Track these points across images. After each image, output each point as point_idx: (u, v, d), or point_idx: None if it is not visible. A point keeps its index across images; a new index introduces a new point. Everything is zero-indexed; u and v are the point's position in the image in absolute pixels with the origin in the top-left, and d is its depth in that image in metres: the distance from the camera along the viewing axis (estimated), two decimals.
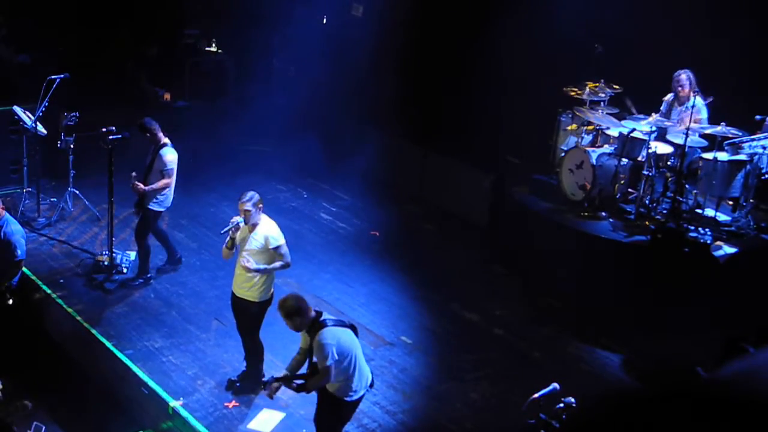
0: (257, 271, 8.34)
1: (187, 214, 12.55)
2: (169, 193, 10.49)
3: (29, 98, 11.97)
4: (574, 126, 11.60)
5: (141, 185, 10.26)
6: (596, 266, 10.57)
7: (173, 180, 10.48)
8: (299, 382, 7.25)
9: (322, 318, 7.16)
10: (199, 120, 14.76)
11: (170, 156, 10.38)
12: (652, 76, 11.60)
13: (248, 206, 8.32)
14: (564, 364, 9.57)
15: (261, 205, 8.42)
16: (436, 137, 13.58)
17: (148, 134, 10.41)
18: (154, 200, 10.40)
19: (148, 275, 10.67)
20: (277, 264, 8.45)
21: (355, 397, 7.38)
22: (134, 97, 14.59)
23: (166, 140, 10.44)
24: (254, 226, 8.38)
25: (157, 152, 10.37)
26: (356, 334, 7.42)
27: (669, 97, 11.31)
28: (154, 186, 10.30)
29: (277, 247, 8.40)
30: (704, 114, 10.93)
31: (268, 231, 8.39)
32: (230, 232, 8.46)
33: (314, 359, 7.14)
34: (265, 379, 7.72)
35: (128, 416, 8.92)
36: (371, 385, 7.58)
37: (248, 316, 8.57)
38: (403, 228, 12.68)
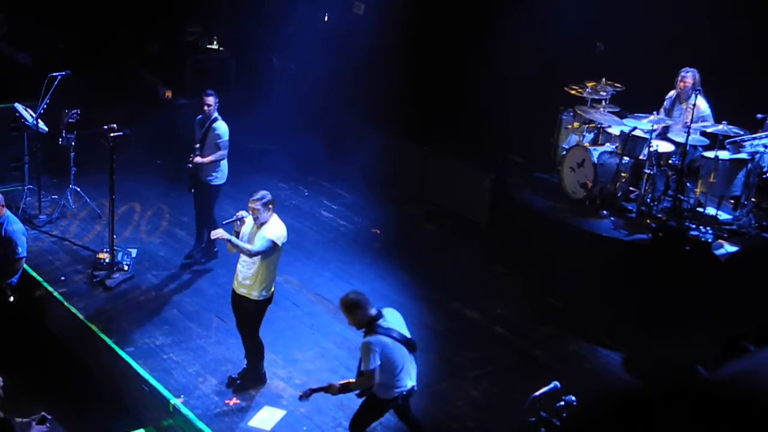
0: (254, 253, 8.27)
1: (189, 211, 12.48)
2: (224, 166, 10.69)
3: (31, 95, 11.97)
4: (576, 124, 11.59)
5: (199, 158, 10.51)
6: (597, 265, 10.56)
7: (226, 153, 10.65)
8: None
9: (377, 322, 7.28)
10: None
11: (224, 128, 10.60)
12: (653, 74, 11.61)
13: (257, 205, 8.32)
14: (565, 362, 9.57)
15: (272, 206, 8.41)
16: (437, 136, 13.57)
17: (208, 106, 10.59)
18: (212, 175, 10.67)
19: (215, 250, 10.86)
20: (248, 248, 8.27)
21: (387, 396, 7.43)
22: (136, 94, 14.60)
23: (216, 114, 10.65)
24: (262, 225, 8.38)
25: (211, 126, 10.57)
26: (412, 350, 7.46)
27: (672, 94, 11.29)
28: (212, 158, 10.53)
29: (263, 237, 8.29)
30: (708, 111, 10.90)
31: (271, 230, 8.39)
32: (235, 224, 8.44)
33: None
34: (300, 392, 7.72)
35: (129, 414, 8.94)
36: (408, 395, 7.54)
37: (248, 314, 8.57)
38: (403, 226, 12.67)
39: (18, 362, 9.29)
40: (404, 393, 7.45)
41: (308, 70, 15.35)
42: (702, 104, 10.81)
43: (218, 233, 8.38)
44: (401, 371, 7.36)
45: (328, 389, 7.51)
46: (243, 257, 8.43)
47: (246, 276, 8.43)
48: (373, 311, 7.34)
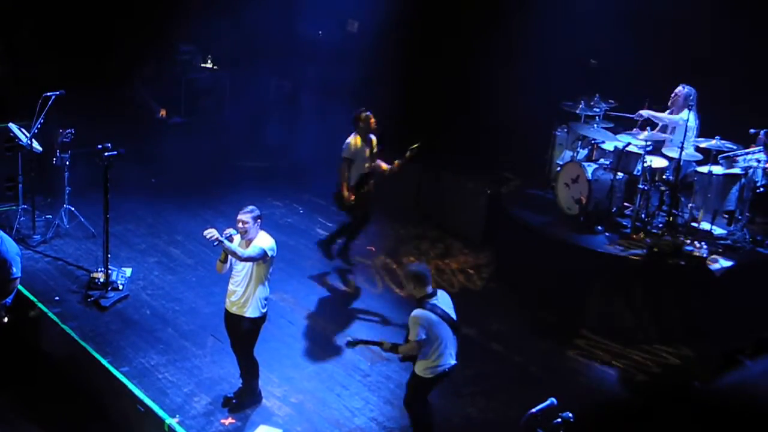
0: (245, 257, 8.19)
1: (183, 230, 12.54)
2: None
3: (25, 115, 11.97)
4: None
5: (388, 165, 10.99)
6: (592, 280, 10.56)
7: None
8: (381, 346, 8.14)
9: (429, 299, 7.79)
10: (194, 136, 14.77)
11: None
12: (647, 91, 11.65)
13: (247, 218, 8.24)
14: (561, 378, 9.55)
15: (260, 221, 8.38)
16: (431, 152, 13.58)
17: (363, 123, 10.94)
18: None
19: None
20: (240, 253, 8.16)
21: (430, 375, 7.90)
22: (130, 113, 14.61)
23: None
24: (250, 241, 8.34)
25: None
26: (455, 331, 7.92)
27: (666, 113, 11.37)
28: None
29: (256, 247, 8.22)
30: (693, 123, 10.92)
31: (261, 242, 8.33)
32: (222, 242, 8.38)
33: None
34: (349, 338, 8.26)
35: None
36: (449, 373, 7.97)
37: (243, 333, 8.51)
38: (399, 243, 12.67)
39: (12, 383, 9.25)
40: (446, 370, 7.90)
41: (303, 87, 15.39)
42: (691, 120, 10.84)
43: (211, 232, 8.06)
44: (443, 348, 7.80)
45: (380, 344, 8.10)
46: (235, 277, 8.39)
47: (239, 294, 8.38)
48: (429, 289, 7.87)
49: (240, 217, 8.26)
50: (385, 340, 8.14)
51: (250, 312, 8.39)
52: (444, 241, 12.69)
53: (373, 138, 11.09)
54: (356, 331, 10.22)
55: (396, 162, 11.03)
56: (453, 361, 7.95)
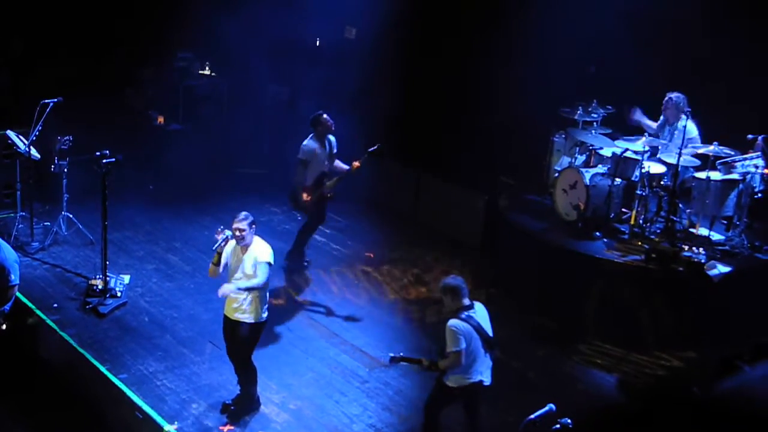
0: (242, 290, 8.28)
1: (181, 237, 12.53)
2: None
3: (23, 122, 11.97)
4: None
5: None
6: (590, 286, 10.56)
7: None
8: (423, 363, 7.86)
9: (465, 311, 7.62)
10: (192, 143, 14.77)
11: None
12: (645, 95, 11.66)
13: (244, 225, 8.27)
14: (560, 384, 9.55)
15: (254, 226, 8.41)
16: (429, 158, 13.61)
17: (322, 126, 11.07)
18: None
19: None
20: (253, 282, 8.27)
21: (456, 385, 7.69)
22: (128, 120, 14.61)
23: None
24: (247, 246, 8.35)
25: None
26: (489, 347, 7.74)
27: (661, 119, 11.38)
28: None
29: (261, 263, 8.30)
30: (695, 133, 10.97)
31: (259, 249, 8.37)
32: (220, 246, 8.40)
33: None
34: (392, 354, 8.02)
35: None
36: (476, 389, 7.77)
37: (244, 338, 8.50)
38: (397, 249, 12.66)
39: (10, 390, 9.23)
40: (473, 384, 7.67)
41: (300, 94, 15.39)
42: (691, 127, 10.87)
43: (226, 290, 8.26)
44: (474, 362, 7.62)
45: (419, 362, 7.85)
46: (235, 282, 8.39)
47: (241, 301, 8.39)
48: (466, 301, 7.70)
49: (237, 225, 8.28)
50: (424, 358, 7.87)
51: (254, 317, 8.42)
52: (441, 247, 12.69)
53: (332, 139, 11.29)
54: (355, 338, 10.22)
55: (354, 163, 11.15)
56: (482, 378, 7.72)
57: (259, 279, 8.29)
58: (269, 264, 8.36)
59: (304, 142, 11.15)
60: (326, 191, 11.25)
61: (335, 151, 11.34)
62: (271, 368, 9.32)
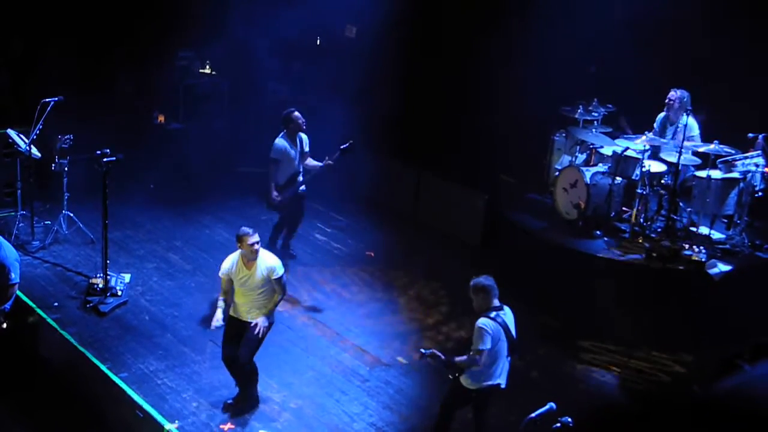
0: (284, 297, 8.77)
1: (182, 236, 12.53)
2: None
3: (23, 121, 11.97)
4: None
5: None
6: (591, 285, 10.56)
7: None
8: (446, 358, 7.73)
9: (494, 312, 7.63)
10: (193, 142, 14.77)
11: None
12: (645, 95, 11.67)
13: (257, 238, 8.40)
14: (561, 383, 9.55)
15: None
16: (430, 157, 13.61)
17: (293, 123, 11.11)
18: None
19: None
20: (278, 298, 8.59)
21: (473, 386, 7.65)
22: (128, 119, 14.60)
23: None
24: (254, 261, 8.42)
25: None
26: (511, 351, 7.75)
27: (661, 115, 11.37)
28: None
29: (279, 278, 8.49)
30: (696, 132, 10.99)
31: (270, 262, 8.50)
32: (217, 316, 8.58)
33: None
34: (423, 350, 7.90)
35: None
36: (492, 392, 7.74)
37: (256, 340, 8.55)
38: (398, 248, 12.67)
39: (11, 389, 9.24)
40: (491, 386, 7.65)
41: (301, 93, 15.38)
42: (692, 124, 10.87)
43: (261, 325, 8.50)
44: (494, 364, 7.60)
45: (445, 362, 7.71)
46: (256, 297, 8.53)
47: (262, 304, 8.54)
48: (496, 302, 7.70)
49: (250, 241, 8.37)
50: (449, 358, 7.73)
51: (271, 318, 8.65)
52: (441, 246, 12.69)
53: (304, 137, 11.29)
54: (356, 337, 10.23)
55: (327, 160, 11.16)
56: (500, 381, 7.71)
57: (283, 294, 8.65)
58: (284, 276, 8.57)
59: (275, 141, 11.15)
60: (299, 189, 11.27)
61: (307, 149, 11.32)
62: (271, 367, 9.32)
